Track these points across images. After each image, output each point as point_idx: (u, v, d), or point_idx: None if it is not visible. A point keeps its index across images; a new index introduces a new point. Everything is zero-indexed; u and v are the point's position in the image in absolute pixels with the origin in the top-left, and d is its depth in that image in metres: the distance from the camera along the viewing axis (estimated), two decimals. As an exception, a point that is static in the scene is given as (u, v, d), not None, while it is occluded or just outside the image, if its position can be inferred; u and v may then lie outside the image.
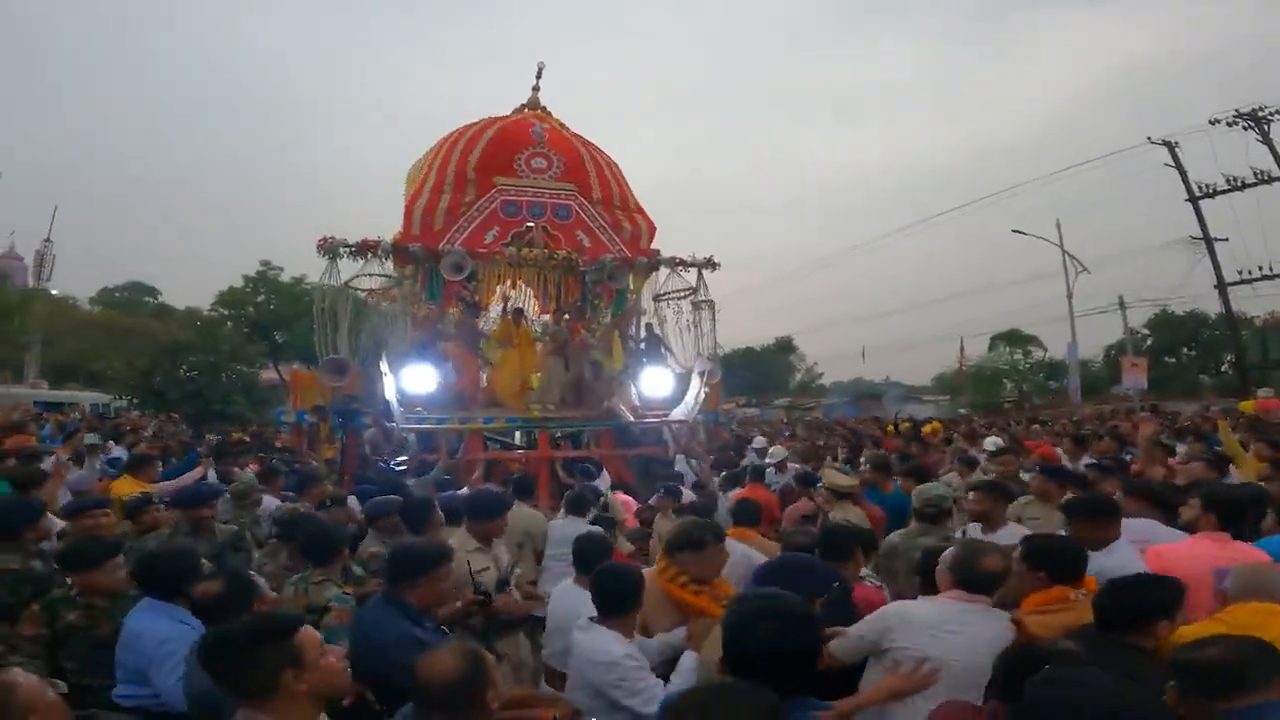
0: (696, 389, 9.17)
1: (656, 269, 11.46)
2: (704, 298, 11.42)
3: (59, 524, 4.27)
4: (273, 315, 32.26)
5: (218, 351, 23.09)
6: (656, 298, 11.57)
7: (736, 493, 6.02)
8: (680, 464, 8.93)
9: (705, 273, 11.43)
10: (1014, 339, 43.22)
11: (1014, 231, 33.52)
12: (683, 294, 11.50)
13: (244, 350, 24.63)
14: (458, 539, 3.83)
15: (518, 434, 10.36)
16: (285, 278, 32.89)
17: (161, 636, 2.66)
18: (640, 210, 11.78)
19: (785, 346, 53.62)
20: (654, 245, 11.61)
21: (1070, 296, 33.44)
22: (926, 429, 14.72)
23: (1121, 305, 34.81)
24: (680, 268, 11.45)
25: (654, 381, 9.98)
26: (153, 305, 40.87)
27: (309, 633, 2.01)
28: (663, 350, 11.33)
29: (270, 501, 5.63)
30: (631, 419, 9.73)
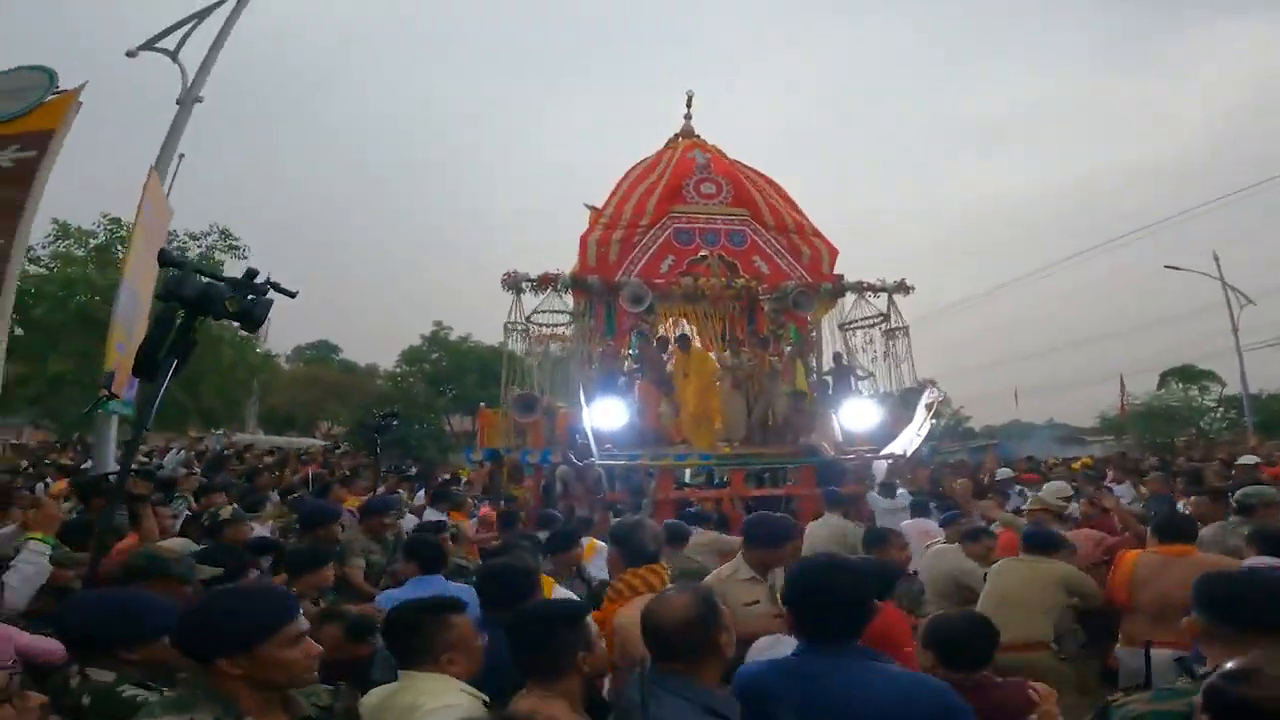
0: (921, 420, 7.39)
1: (842, 295, 9.83)
2: (897, 324, 9.63)
3: None
4: (444, 371, 33.28)
5: (414, 404, 24.56)
6: (842, 326, 9.91)
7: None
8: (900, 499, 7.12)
9: (896, 298, 9.70)
10: (1187, 375, 36.89)
11: (1167, 267, 28.86)
12: (872, 321, 9.77)
13: (434, 403, 26.04)
14: (730, 566, 3.26)
15: (687, 472, 9.02)
16: (453, 336, 34.04)
17: None
18: (818, 234, 10.27)
19: (920, 393, 48.95)
20: (837, 270, 10.04)
21: (1236, 331, 28.22)
22: (1075, 465, 13.04)
23: (1295, 337, 29.21)
24: (868, 293, 9.77)
25: (857, 414, 8.27)
26: (338, 362, 43.39)
27: (590, 619, 2.01)
28: (853, 382, 9.60)
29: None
30: (831, 454, 8.05)
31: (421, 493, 8.96)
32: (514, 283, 8.91)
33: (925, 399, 7.78)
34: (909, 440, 7.47)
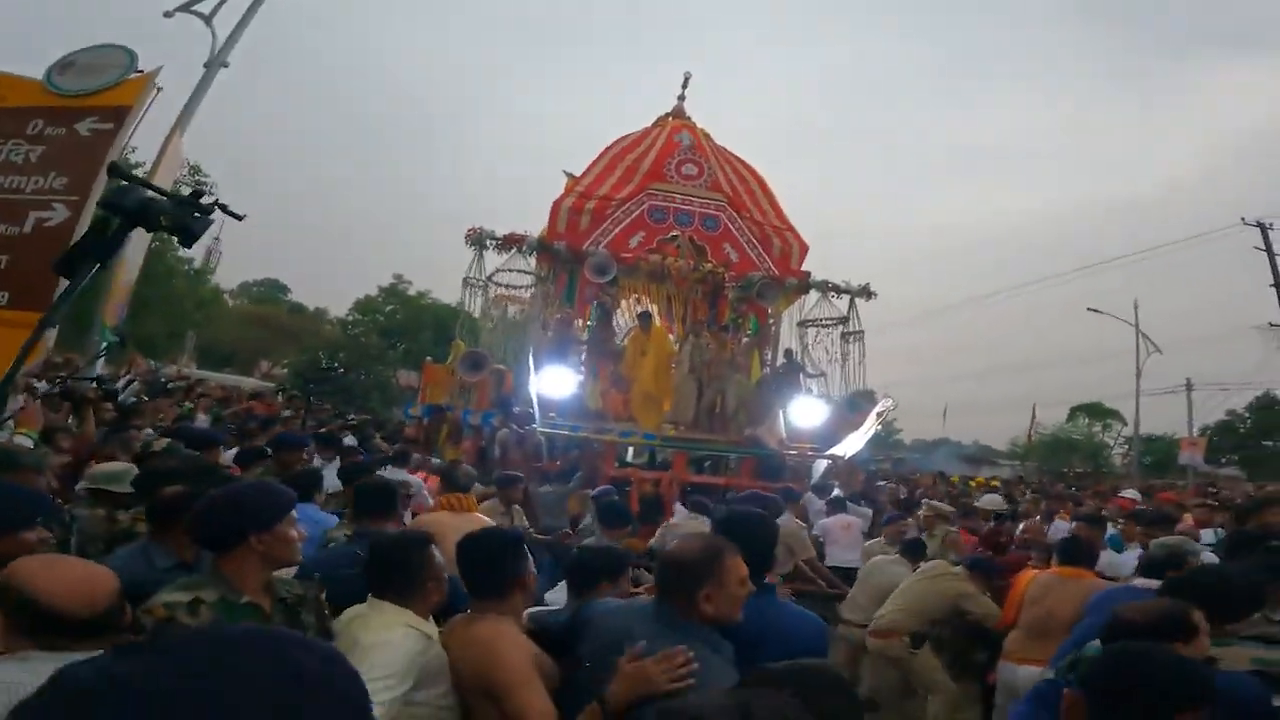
0: (870, 425, 7.16)
1: (806, 292, 9.55)
2: (855, 329, 9.41)
3: None
4: (399, 324, 31.96)
5: (364, 355, 23.66)
6: (802, 323, 9.64)
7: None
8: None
9: (859, 302, 9.47)
10: (1095, 411, 38.83)
11: (1089, 310, 30.33)
12: (832, 322, 9.53)
13: (384, 355, 25.05)
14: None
15: (630, 450, 8.62)
16: (412, 291, 32.70)
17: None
18: (790, 228, 9.96)
19: (867, 398, 49.72)
20: (804, 266, 9.75)
21: (1139, 375, 29.98)
22: (973, 483, 14.52)
23: (1189, 388, 31.37)
24: (832, 294, 9.51)
25: (805, 412, 8.00)
26: (286, 302, 41.19)
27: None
28: (801, 380, 9.35)
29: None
30: (775, 449, 7.77)
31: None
32: (478, 238, 8.32)
33: (879, 406, 7.56)
34: (854, 443, 7.24)
